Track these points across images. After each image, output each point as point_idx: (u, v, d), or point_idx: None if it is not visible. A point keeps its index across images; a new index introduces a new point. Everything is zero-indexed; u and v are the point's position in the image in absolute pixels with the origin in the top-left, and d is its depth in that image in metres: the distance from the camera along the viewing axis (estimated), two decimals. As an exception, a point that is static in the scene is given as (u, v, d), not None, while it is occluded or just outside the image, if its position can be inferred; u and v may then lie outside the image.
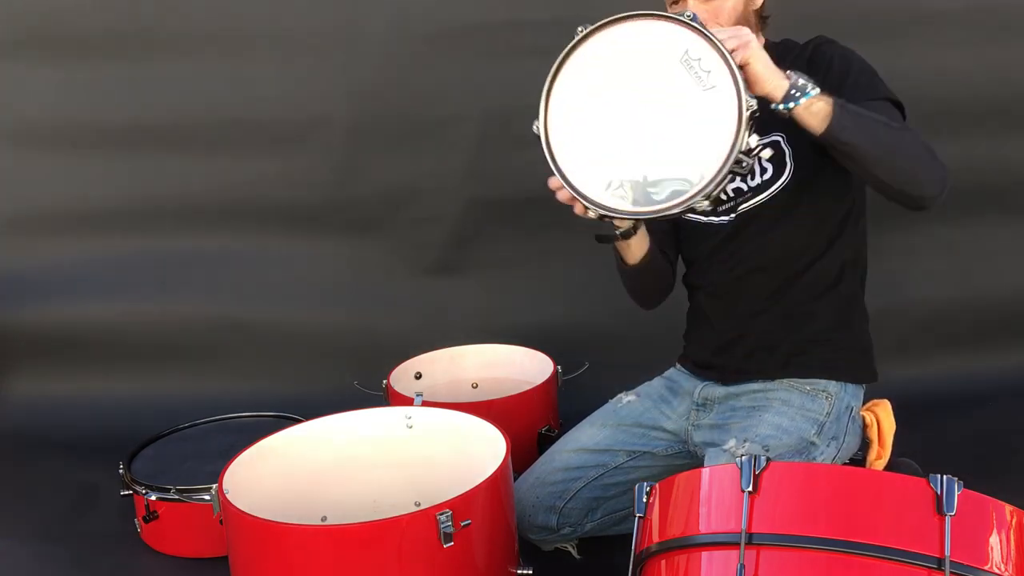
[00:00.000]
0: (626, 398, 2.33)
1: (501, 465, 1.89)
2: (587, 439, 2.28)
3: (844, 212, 2.09)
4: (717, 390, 2.19)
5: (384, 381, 2.60)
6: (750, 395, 2.12)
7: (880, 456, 2.11)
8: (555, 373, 2.64)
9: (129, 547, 2.47)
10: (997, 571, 1.36)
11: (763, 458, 1.45)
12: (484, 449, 2.05)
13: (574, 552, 2.34)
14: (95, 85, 3.04)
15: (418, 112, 3.03)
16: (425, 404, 2.33)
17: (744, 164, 1.69)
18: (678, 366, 2.32)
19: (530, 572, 1.95)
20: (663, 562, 1.53)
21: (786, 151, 2.03)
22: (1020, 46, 3.01)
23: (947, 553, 1.34)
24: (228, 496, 1.84)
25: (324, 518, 2.17)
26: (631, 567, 1.66)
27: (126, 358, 3.24)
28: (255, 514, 1.77)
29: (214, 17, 3.01)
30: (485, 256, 3.15)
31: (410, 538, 1.73)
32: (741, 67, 1.70)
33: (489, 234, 3.15)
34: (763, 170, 2.04)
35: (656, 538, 1.54)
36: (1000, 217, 3.16)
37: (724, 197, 2.07)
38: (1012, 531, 1.40)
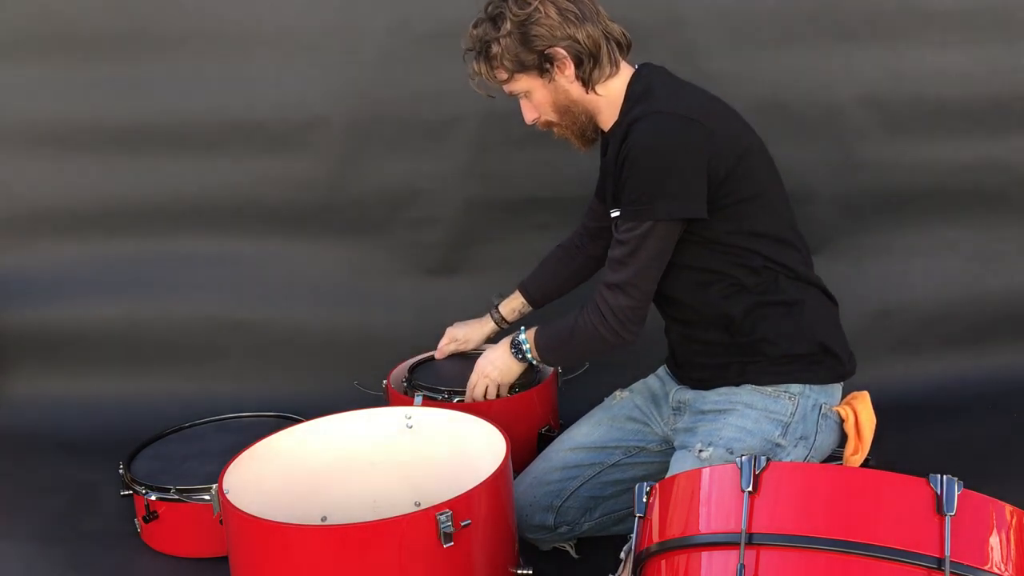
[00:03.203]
0: (620, 395, 2.35)
1: (501, 465, 1.89)
2: (583, 437, 2.29)
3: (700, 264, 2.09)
4: (688, 394, 2.20)
5: (384, 381, 2.60)
6: (715, 399, 2.12)
7: (858, 450, 2.08)
8: (555, 373, 2.64)
9: (129, 547, 2.47)
10: (997, 571, 1.37)
11: (763, 458, 1.45)
12: (484, 449, 2.05)
13: (572, 552, 2.34)
14: (94, 85, 3.04)
15: (418, 112, 3.02)
16: (425, 404, 2.33)
17: None
18: (664, 367, 2.35)
19: (530, 572, 1.96)
20: (663, 562, 1.53)
21: None
22: (1020, 46, 3.01)
23: (947, 553, 1.34)
24: (228, 496, 1.84)
25: (324, 518, 2.17)
26: (622, 565, 1.67)
27: (126, 358, 3.23)
28: (255, 514, 1.77)
29: (213, 17, 3.00)
30: (485, 256, 3.15)
31: (410, 538, 1.73)
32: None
33: (489, 234, 3.15)
34: None
35: (656, 538, 1.54)
36: (1000, 217, 3.16)
37: None
38: (1012, 531, 1.40)
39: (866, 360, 2.90)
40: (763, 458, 1.45)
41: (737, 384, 2.09)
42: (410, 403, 2.35)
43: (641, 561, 1.58)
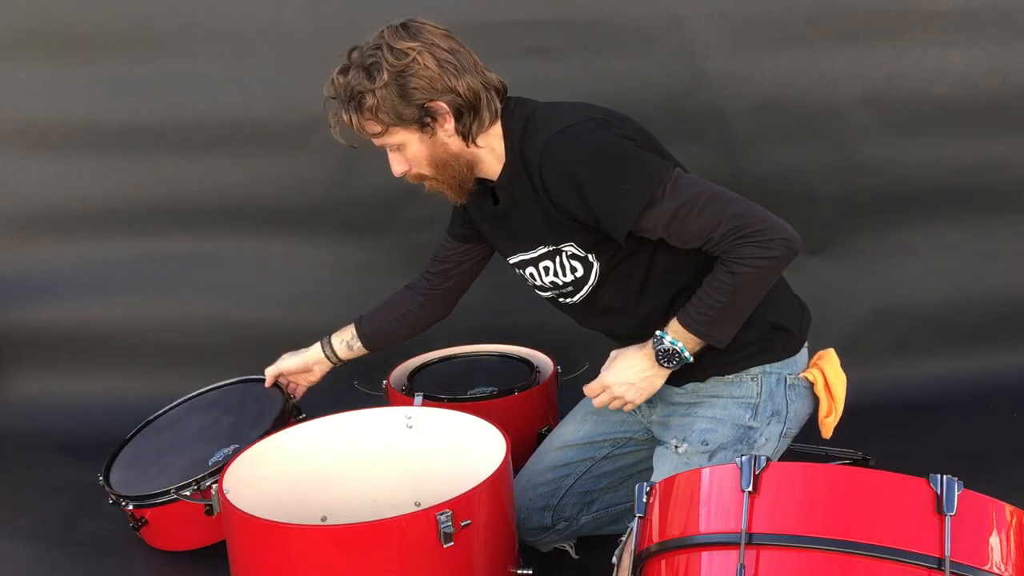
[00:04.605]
0: None
1: (501, 465, 1.89)
2: (570, 435, 2.29)
3: (647, 263, 2.01)
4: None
5: (384, 381, 2.60)
6: (683, 393, 2.12)
7: (831, 411, 2.07)
8: (555, 373, 2.64)
9: (129, 547, 2.46)
10: (997, 571, 1.37)
11: (763, 458, 1.45)
12: (484, 449, 2.05)
13: (572, 552, 2.34)
14: (94, 85, 3.04)
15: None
16: (425, 404, 2.33)
17: None
18: None
19: (530, 572, 1.96)
20: (663, 562, 1.53)
21: (586, 254, 2.01)
22: (1020, 46, 3.01)
23: (947, 553, 1.34)
24: (228, 496, 1.84)
25: (324, 518, 2.17)
26: (615, 570, 1.67)
27: (126, 358, 3.23)
28: (255, 514, 1.77)
29: (213, 17, 3.00)
30: (485, 256, 3.15)
31: (410, 538, 1.73)
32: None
33: (489, 234, 3.15)
34: (573, 268, 2.03)
35: (656, 538, 1.54)
36: (1000, 217, 3.16)
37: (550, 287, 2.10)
38: (1012, 531, 1.40)
39: (866, 360, 2.93)
40: (763, 458, 1.45)
41: (702, 380, 2.09)
42: (410, 403, 2.35)
43: (641, 561, 1.58)
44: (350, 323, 2.41)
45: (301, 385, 2.49)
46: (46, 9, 3.00)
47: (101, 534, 2.54)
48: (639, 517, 1.59)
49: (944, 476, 1.38)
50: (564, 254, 2.02)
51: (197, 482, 2.23)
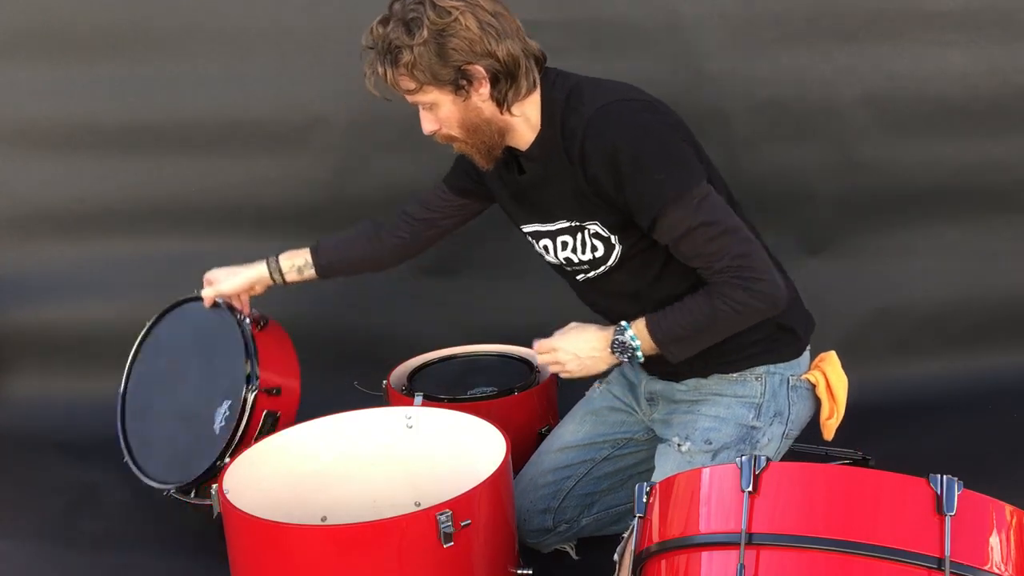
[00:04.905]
0: (598, 387, 2.35)
1: (501, 465, 1.89)
2: (570, 436, 2.29)
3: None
4: (658, 384, 2.19)
5: (384, 381, 2.60)
6: (685, 390, 2.12)
7: (833, 413, 2.08)
8: (555, 373, 2.64)
9: (129, 547, 2.47)
10: (997, 571, 1.36)
11: (763, 458, 1.45)
12: (484, 449, 2.05)
13: (572, 552, 2.34)
14: (94, 85, 3.04)
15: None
16: (425, 404, 2.33)
17: None
18: None
19: (530, 572, 1.96)
20: (663, 562, 1.53)
21: (609, 235, 1.99)
22: (1020, 46, 3.01)
23: (947, 553, 1.34)
24: (228, 496, 1.84)
25: (324, 518, 2.17)
26: (616, 569, 1.67)
27: (126, 358, 3.23)
28: (255, 514, 1.77)
29: (213, 17, 3.00)
30: (485, 256, 3.15)
31: (410, 538, 1.73)
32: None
33: (489, 234, 3.14)
34: (594, 247, 2.01)
35: (656, 538, 1.54)
36: (1000, 217, 3.16)
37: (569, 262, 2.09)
38: (1012, 531, 1.40)
39: (866, 360, 2.93)
40: (763, 458, 1.45)
41: (704, 376, 2.09)
42: (410, 403, 2.35)
43: (641, 561, 1.58)
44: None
45: (242, 302, 2.42)
46: (46, 9, 3.00)
47: (101, 534, 2.54)
48: (639, 517, 1.59)
49: (944, 476, 1.38)
50: (587, 231, 2.00)
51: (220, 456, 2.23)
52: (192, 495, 2.33)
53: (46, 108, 3.07)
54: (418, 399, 2.36)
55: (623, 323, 1.98)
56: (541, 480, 2.26)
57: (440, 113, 1.93)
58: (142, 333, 2.59)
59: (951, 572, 1.33)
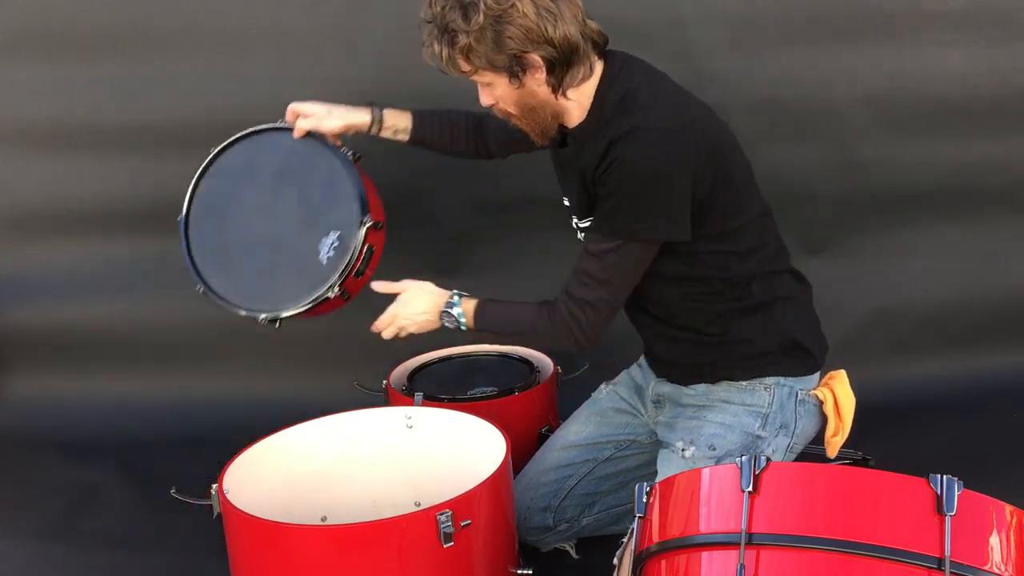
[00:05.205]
0: (605, 388, 2.35)
1: (501, 465, 1.89)
2: (574, 435, 2.29)
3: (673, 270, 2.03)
4: (666, 387, 2.20)
5: (384, 381, 2.60)
6: (693, 395, 2.12)
7: (838, 431, 2.09)
8: (555, 373, 2.64)
9: (129, 547, 2.47)
10: (997, 571, 1.36)
11: (763, 458, 1.45)
12: (484, 449, 2.05)
13: (572, 552, 2.34)
14: (94, 85, 3.04)
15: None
16: (425, 404, 2.33)
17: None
18: (643, 357, 2.32)
19: (530, 572, 1.96)
20: (663, 562, 1.53)
21: None
22: (1020, 46, 3.01)
23: (947, 553, 1.34)
24: (228, 496, 1.84)
25: (324, 518, 2.17)
26: (615, 572, 1.67)
27: (126, 358, 3.23)
28: (255, 514, 1.77)
29: (213, 17, 3.00)
30: (485, 256, 3.15)
31: (410, 538, 1.73)
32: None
33: (489, 234, 3.15)
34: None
35: (656, 538, 1.54)
36: (1000, 217, 3.16)
37: None
38: (1012, 531, 1.40)
39: (866, 360, 2.93)
40: (763, 458, 1.45)
41: (713, 381, 2.09)
42: (410, 403, 2.35)
43: (641, 561, 1.58)
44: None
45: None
46: (46, 9, 2.99)
47: (101, 534, 2.54)
48: (639, 517, 1.59)
49: (944, 476, 1.38)
50: (582, 225, 2.07)
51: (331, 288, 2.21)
52: (278, 325, 2.25)
53: (46, 108, 3.07)
54: (418, 399, 2.36)
55: (455, 297, 2.11)
56: (543, 478, 2.26)
57: (496, 92, 1.97)
58: (207, 159, 2.47)
59: (951, 572, 1.33)
